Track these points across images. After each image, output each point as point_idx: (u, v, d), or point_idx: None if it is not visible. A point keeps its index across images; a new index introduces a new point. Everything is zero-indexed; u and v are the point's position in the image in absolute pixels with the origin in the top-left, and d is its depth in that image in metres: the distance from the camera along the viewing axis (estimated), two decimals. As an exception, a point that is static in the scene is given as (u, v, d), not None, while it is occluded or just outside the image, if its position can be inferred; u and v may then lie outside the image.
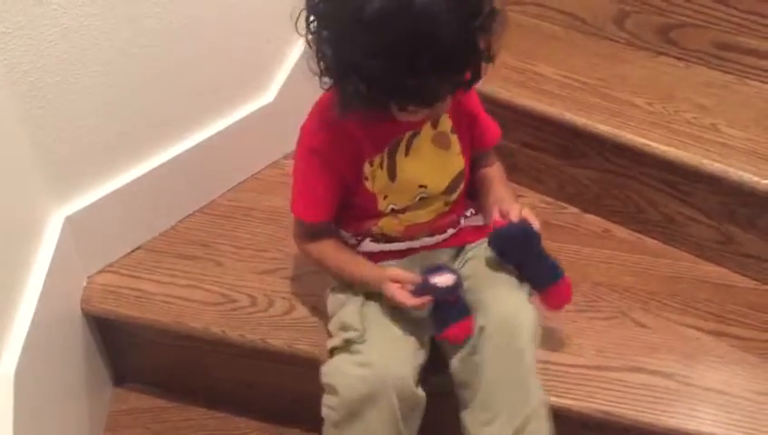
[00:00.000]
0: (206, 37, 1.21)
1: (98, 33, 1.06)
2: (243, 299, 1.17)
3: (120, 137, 1.16)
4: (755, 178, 1.08)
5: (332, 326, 1.02)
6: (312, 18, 0.87)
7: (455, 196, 1.03)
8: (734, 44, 1.27)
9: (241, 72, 1.32)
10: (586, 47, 1.37)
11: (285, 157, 1.44)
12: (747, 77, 1.28)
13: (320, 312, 1.14)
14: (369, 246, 1.05)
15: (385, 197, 1.00)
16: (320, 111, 0.99)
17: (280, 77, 1.38)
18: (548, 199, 1.33)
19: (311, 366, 1.10)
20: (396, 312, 0.99)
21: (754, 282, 1.17)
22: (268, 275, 1.21)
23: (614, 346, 1.09)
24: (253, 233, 1.29)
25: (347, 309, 1.01)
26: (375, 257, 1.04)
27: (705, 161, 1.11)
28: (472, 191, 1.08)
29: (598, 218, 1.29)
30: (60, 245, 1.10)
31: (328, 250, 1.04)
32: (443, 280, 0.94)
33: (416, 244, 1.05)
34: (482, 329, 0.95)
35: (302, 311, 1.15)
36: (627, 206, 1.25)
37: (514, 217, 0.95)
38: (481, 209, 1.07)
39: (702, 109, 1.21)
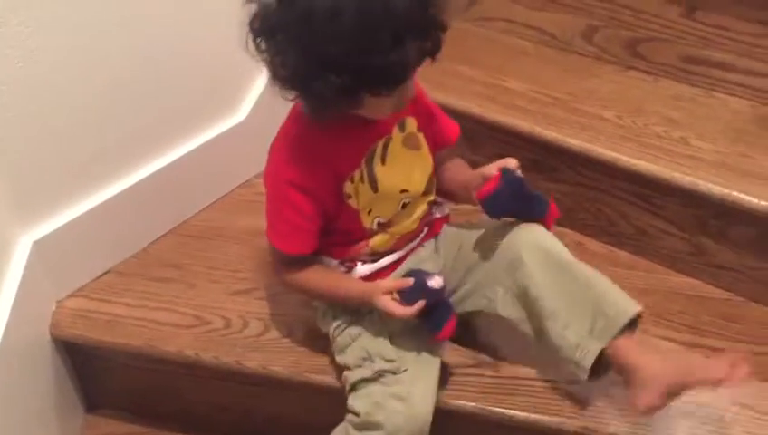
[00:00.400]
0: (176, 57, 1.21)
1: (65, 55, 1.05)
2: (216, 321, 1.15)
3: (88, 159, 1.15)
4: (725, 190, 1.09)
5: (351, 358, 1.00)
6: (261, 34, 0.86)
7: (432, 195, 1.04)
8: (701, 58, 1.29)
9: (212, 92, 1.31)
10: (555, 62, 1.38)
11: (257, 176, 1.43)
12: (714, 90, 1.29)
13: (295, 332, 1.13)
14: (360, 270, 1.03)
15: (369, 211, 0.99)
16: (288, 138, 0.97)
17: (251, 96, 1.38)
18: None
19: (285, 387, 1.10)
20: (422, 340, 0.99)
21: (727, 293, 1.17)
22: (242, 295, 1.20)
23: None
24: (225, 253, 1.27)
25: (370, 339, 0.99)
26: (370, 279, 1.02)
27: (676, 174, 1.12)
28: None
29: (571, 232, 1.29)
30: (27, 270, 1.08)
31: (312, 277, 1.01)
32: (434, 282, 0.94)
33: (403, 252, 1.05)
34: (519, 262, 0.97)
35: (276, 331, 1.14)
36: (599, 219, 1.26)
37: (495, 170, 0.97)
38: (451, 194, 1.08)
39: (671, 122, 1.23)
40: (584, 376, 0.94)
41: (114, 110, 1.15)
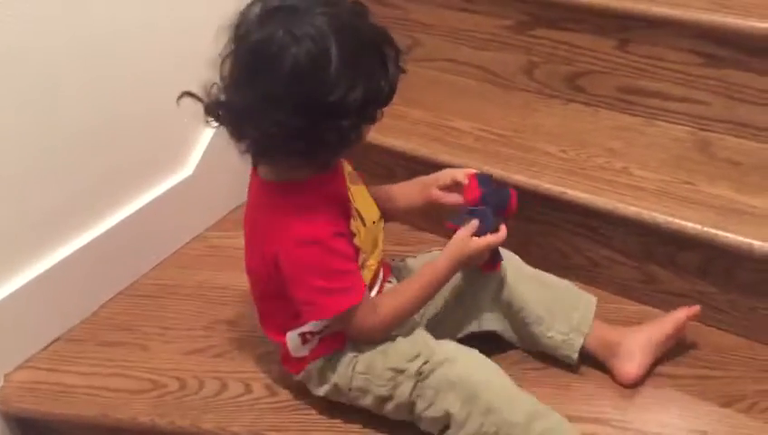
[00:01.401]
0: (122, 116, 1.20)
1: (5, 105, 1.03)
2: (172, 383, 1.13)
3: (29, 226, 1.13)
4: (669, 218, 1.10)
5: (382, 389, 0.99)
6: (247, 115, 0.86)
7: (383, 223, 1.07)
8: (637, 88, 1.32)
9: (159, 148, 1.30)
10: (499, 99, 1.40)
11: (208, 229, 1.42)
12: (653, 118, 1.32)
13: (253, 389, 1.11)
14: None
15: (360, 244, 0.99)
16: (297, 207, 0.93)
17: (197, 150, 1.37)
18: (474, 252, 1.34)
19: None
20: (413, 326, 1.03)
21: (680, 319, 1.19)
22: (197, 354, 1.18)
23: (552, 396, 1.08)
24: (179, 311, 1.25)
25: (382, 356, 0.99)
26: None
27: (620, 205, 1.14)
28: None
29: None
30: (-30, 345, 1.05)
31: (395, 298, 1.00)
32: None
33: (375, 290, 1.06)
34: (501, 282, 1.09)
35: (234, 389, 1.12)
36: (551, 253, 1.27)
37: (462, 176, 1.06)
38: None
39: (613, 153, 1.25)
40: (574, 362, 1.10)
41: (57, 171, 1.14)
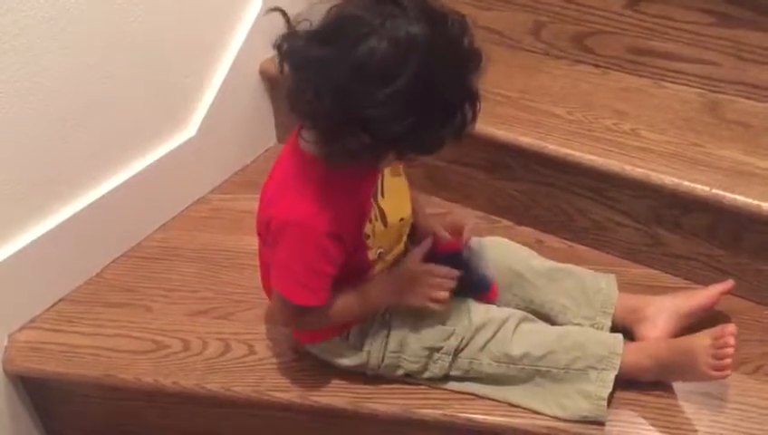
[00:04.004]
0: (122, 75, 1.19)
1: (8, 73, 1.02)
2: (175, 344, 1.13)
3: (33, 185, 1.12)
4: (676, 180, 1.09)
5: (415, 365, 1.01)
6: (291, 60, 0.81)
7: (412, 216, 1.04)
8: (647, 49, 1.30)
9: (160, 109, 1.29)
10: (504, 60, 1.37)
11: (212, 191, 1.42)
12: (662, 80, 1.30)
13: (256, 350, 1.11)
14: None
15: (374, 246, 0.97)
16: (312, 181, 0.88)
17: (200, 111, 1.35)
18: (480, 214, 1.33)
19: (248, 407, 1.08)
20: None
21: (685, 281, 1.18)
22: (201, 316, 1.17)
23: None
24: (182, 273, 1.25)
25: (414, 336, 1.00)
26: None
27: (628, 167, 1.12)
28: None
29: (530, 229, 1.29)
30: (-26, 305, 1.05)
31: (331, 309, 0.95)
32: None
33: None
34: (519, 278, 1.08)
35: (237, 351, 1.12)
36: (556, 215, 1.25)
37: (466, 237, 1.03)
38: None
39: (621, 114, 1.23)
40: None
41: (60, 132, 1.12)
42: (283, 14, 0.83)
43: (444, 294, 0.97)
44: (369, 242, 0.96)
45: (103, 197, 1.22)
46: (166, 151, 1.31)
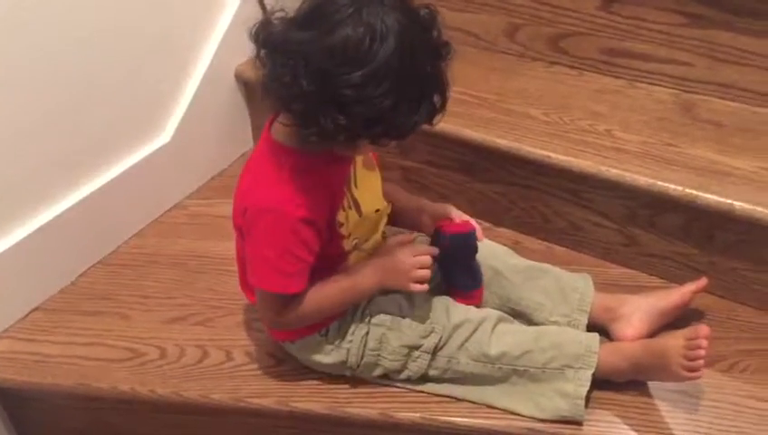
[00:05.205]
0: (96, 81, 1.17)
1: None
2: (152, 352, 1.12)
3: (4, 192, 1.10)
4: (650, 180, 1.09)
5: (394, 363, 1.01)
6: (268, 46, 0.83)
7: (389, 207, 1.05)
8: (621, 50, 1.30)
9: (135, 114, 1.28)
10: (480, 62, 1.38)
11: (188, 196, 1.41)
12: (637, 80, 1.31)
13: (233, 356, 1.10)
14: None
15: (349, 235, 0.97)
16: (284, 169, 0.90)
17: (176, 116, 1.35)
18: (459, 216, 1.33)
19: (226, 414, 1.07)
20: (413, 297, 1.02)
21: (661, 280, 1.18)
22: (177, 323, 1.17)
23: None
24: (159, 280, 1.24)
25: (393, 333, 1.00)
26: None
27: (603, 168, 1.13)
28: None
29: (509, 231, 1.30)
30: (-54, 315, 1.04)
31: (316, 299, 0.95)
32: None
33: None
34: (497, 275, 1.08)
35: (216, 357, 1.11)
36: (533, 217, 1.26)
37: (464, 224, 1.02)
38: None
39: (596, 116, 1.24)
40: None
41: (30, 139, 1.11)
42: (260, 2, 0.85)
43: (424, 272, 0.97)
44: (343, 230, 0.96)
45: (78, 203, 1.21)
46: (141, 157, 1.30)
